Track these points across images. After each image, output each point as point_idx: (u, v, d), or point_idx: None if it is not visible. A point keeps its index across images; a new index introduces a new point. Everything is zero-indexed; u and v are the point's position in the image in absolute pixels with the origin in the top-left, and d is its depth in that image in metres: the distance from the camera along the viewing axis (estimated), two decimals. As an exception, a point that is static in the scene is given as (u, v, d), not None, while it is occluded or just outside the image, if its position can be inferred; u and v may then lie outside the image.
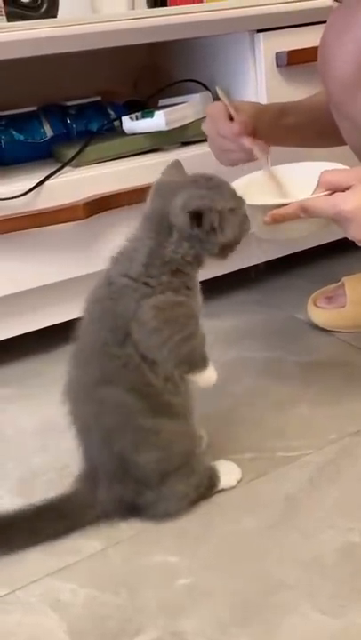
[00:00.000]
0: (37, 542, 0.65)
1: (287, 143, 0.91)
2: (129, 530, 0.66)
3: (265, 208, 0.70)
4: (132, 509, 0.67)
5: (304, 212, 0.67)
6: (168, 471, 0.65)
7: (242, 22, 1.01)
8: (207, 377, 0.66)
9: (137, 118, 1.04)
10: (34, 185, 0.91)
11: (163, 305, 0.61)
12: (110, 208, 0.96)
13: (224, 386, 0.90)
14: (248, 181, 0.81)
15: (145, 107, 1.14)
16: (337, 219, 0.66)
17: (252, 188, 0.79)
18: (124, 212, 0.97)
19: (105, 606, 0.58)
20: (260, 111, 0.87)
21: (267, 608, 0.56)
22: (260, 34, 1.04)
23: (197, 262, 0.63)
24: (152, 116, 1.02)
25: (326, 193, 0.67)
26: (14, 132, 1.07)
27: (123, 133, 1.06)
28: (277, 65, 1.06)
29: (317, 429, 0.79)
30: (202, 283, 1.14)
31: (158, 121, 1.01)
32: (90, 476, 0.67)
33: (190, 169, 1.00)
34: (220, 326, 1.07)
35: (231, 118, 0.83)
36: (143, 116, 1.04)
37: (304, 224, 0.71)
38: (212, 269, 1.09)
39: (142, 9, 1.27)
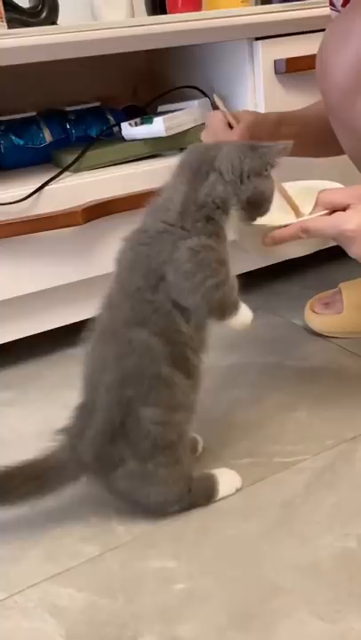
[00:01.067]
0: (6, 504, 0.65)
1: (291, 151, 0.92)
2: (126, 535, 0.67)
3: (264, 229, 0.69)
4: (107, 481, 0.66)
5: (305, 232, 0.67)
6: (159, 444, 0.64)
7: (240, 30, 1.02)
8: (242, 320, 0.67)
9: (136, 124, 1.05)
10: (33, 190, 0.92)
11: (197, 247, 0.62)
12: (109, 213, 0.96)
13: (221, 391, 0.90)
14: None
15: (144, 113, 1.15)
16: (339, 238, 0.66)
17: None
18: (123, 218, 0.98)
19: (102, 611, 0.58)
20: (258, 120, 0.87)
21: (264, 613, 0.56)
22: (259, 41, 1.05)
23: (225, 210, 0.64)
24: (151, 123, 1.02)
25: (325, 212, 0.67)
26: (14, 137, 1.07)
27: (122, 139, 1.06)
28: (276, 72, 1.06)
29: (315, 435, 0.79)
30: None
31: (157, 127, 1.01)
32: (77, 429, 0.66)
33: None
34: (217, 332, 1.07)
35: (230, 127, 0.84)
36: (142, 122, 1.04)
37: (304, 243, 0.71)
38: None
39: (142, 16, 1.28)
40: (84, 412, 0.67)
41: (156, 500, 0.67)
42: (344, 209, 0.66)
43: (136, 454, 0.64)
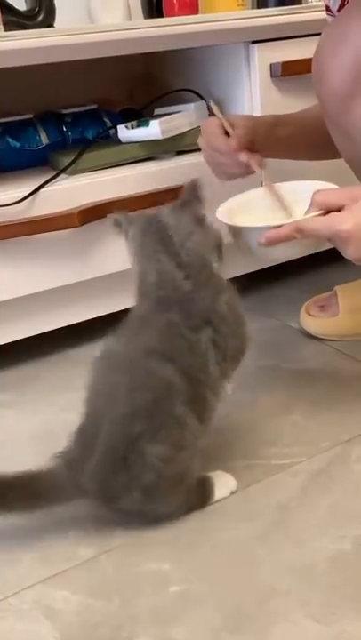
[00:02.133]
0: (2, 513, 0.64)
1: (281, 155, 0.92)
2: (122, 537, 0.67)
3: (259, 230, 0.70)
4: (110, 505, 0.66)
5: (299, 233, 0.67)
6: (164, 476, 0.63)
7: (237, 33, 1.02)
8: None
9: (132, 127, 1.05)
10: (29, 192, 0.92)
11: (230, 301, 0.68)
12: (105, 216, 0.96)
13: (217, 393, 0.90)
14: (247, 198, 0.82)
15: (140, 115, 1.15)
16: (334, 239, 0.66)
17: (252, 204, 0.80)
18: (119, 220, 0.98)
19: (97, 613, 0.58)
20: (254, 124, 0.87)
21: (259, 615, 0.57)
22: (255, 45, 1.05)
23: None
24: (147, 125, 1.02)
25: (320, 213, 0.67)
26: (10, 139, 1.07)
27: (118, 142, 1.06)
28: (272, 76, 1.07)
29: (310, 437, 0.79)
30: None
31: (153, 130, 1.02)
32: (77, 455, 0.65)
33: (185, 177, 1.01)
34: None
35: (227, 133, 0.84)
36: (138, 125, 1.04)
37: (299, 245, 0.71)
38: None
39: (139, 19, 1.28)
40: (85, 438, 0.65)
41: (158, 514, 0.67)
42: (339, 210, 0.66)
43: (140, 485, 0.63)
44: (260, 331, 1.03)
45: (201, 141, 0.88)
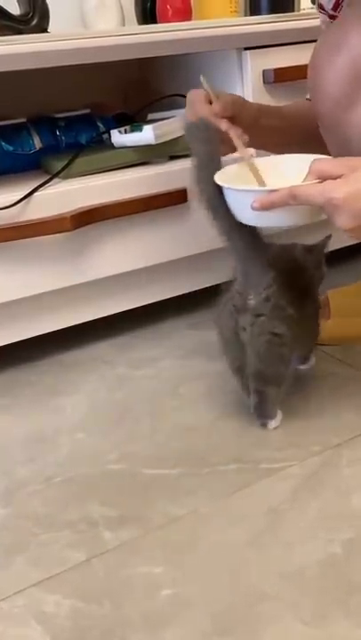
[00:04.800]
0: None
1: (263, 145, 0.91)
2: (113, 540, 0.67)
3: (253, 194, 0.69)
4: None
5: (293, 198, 0.66)
6: None
7: (230, 40, 1.03)
8: None
9: (126, 132, 1.05)
10: (22, 196, 0.92)
11: None
12: (98, 220, 0.97)
13: (208, 398, 0.91)
14: (228, 171, 0.79)
15: (134, 120, 1.15)
16: (326, 207, 0.66)
17: (232, 177, 0.77)
18: (112, 225, 0.99)
19: (88, 617, 0.59)
20: (239, 103, 0.86)
21: (250, 619, 0.57)
22: (248, 51, 1.06)
23: None
24: (141, 130, 1.03)
25: (317, 181, 0.67)
26: (3, 143, 1.07)
27: (111, 146, 1.07)
28: (264, 82, 1.08)
29: (301, 441, 0.79)
30: (189, 294, 1.15)
31: (147, 135, 1.02)
32: None
33: (178, 182, 1.02)
34: (204, 337, 1.08)
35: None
36: (132, 130, 1.05)
37: (291, 213, 0.70)
38: (196, 281, 1.11)
39: (133, 25, 1.29)
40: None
41: None
42: (335, 179, 0.66)
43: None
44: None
45: (186, 111, 0.86)
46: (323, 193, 0.65)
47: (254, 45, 1.05)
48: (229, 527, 0.67)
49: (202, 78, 0.84)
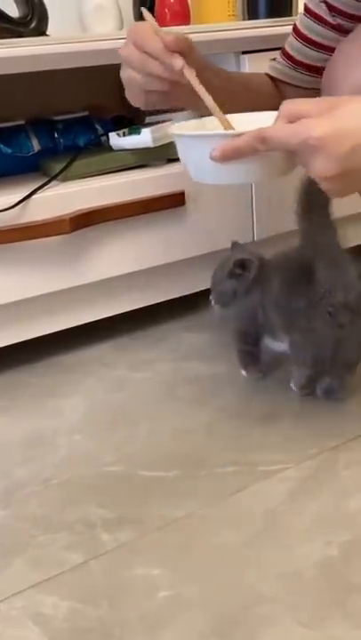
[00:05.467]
0: None
1: (191, 104, 0.76)
2: (111, 542, 0.67)
3: (211, 140, 0.57)
4: None
5: (262, 142, 0.56)
6: None
7: (227, 44, 1.04)
8: None
9: (124, 135, 1.06)
10: (20, 198, 0.92)
11: None
12: (96, 223, 0.97)
13: (206, 400, 0.91)
14: (194, 124, 0.70)
15: (132, 123, 1.16)
16: (302, 149, 0.55)
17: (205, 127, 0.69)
18: (110, 227, 0.99)
19: (86, 619, 0.59)
20: (190, 44, 0.72)
21: (247, 621, 0.57)
22: (246, 55, 1.06)
23: None
24: (139, 133, 1.03)
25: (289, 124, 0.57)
26: (2, 146, 1.07)
27: (109, 149, 1.07)
28: (262, 86, 1.08)
29: (298, 444, 0.80)
30: (185, 297, 1.15)
31: (145, 138, 1.02)
32: None
33: (176, 185, 1.02)
34: (201, 340, 1.08)
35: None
36: (130, 133, 1.05)
37: (258, 164, 0.59)
38: (194, 284, 1.11)
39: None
40: None
41: None
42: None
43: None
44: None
45: (125, 48, 0.71)
46: (298, 133, 0.54)
47: (252, 49, 1.06)
48: (227, 529, 0.68)
49: (143, 11, 0.74)
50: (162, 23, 1.22)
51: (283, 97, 0.92)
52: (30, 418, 0.91)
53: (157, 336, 1.11)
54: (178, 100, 0.75)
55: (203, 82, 0.71)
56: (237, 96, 0.83)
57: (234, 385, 0.94)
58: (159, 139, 1.03)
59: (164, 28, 0.77)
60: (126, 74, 0.75)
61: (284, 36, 1.06)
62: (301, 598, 0.59)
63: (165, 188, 1.01)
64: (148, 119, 1.15)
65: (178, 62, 0.68)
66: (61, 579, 0.63)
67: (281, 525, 0.67)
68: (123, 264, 1.03)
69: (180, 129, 0.68)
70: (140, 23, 0.73)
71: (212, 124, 0.69)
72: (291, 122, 0.56)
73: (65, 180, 1.00)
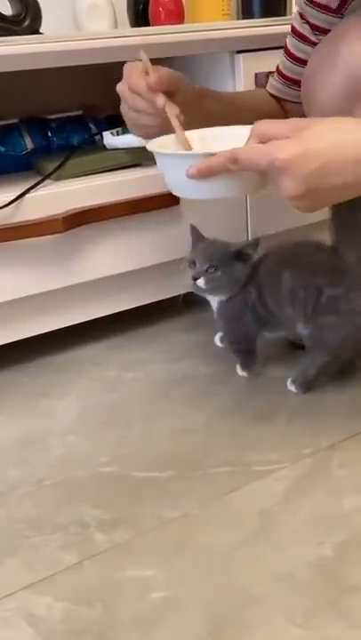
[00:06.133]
0: None
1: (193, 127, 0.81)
2: (105, 543, 0.67)
3: (188, 159, 0.62)
4: None
5: (234, 162, 0.60)
6: None
7: (222, 43, 1.03)
8: None
9: (118, 134, 1.06)
10: (14, 197, 0.92)
11: None
12: (90, 222, 0.97)
13: (201, 400, 0.91)
14: (161, 140, 0.74)
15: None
16: (270, 169, 0.59)
17: (165, 146, 0.72)
18: (104, 227, 0.98)
19: (80, 620, 0.58)
20: (179, 80, 0.77)
21: (241, 621, 0.57)
22: (240, 55, 1.06)
23: None
24: (132, 133, 1.03)
25: (260, 144, 0.61)
26: (-5, 144, 1.07)
27: (103, 148, 1.07)
28: (256, 85, 1.08)
29: (293, 443, 0.80)
30: (178, 298, 1.15)
31: (139, 137, 1.02)
32: None
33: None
34: (195, 340, 1.08)
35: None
36: (124, 132, 1.05)
37: (232, 181, 0.63)
38: (187, 285, 1.11)
39: (125, 27, 1.29)
40: None
41: None
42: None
43: None
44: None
45: (120, 85, 0.78)
46: (266, 154, 0.58)
47: (247, 49, 1.06)
48: (221, 529, 0.68)
49: (141, 52, 0.77)
50: (156, 22, 1.22)
51: (286, 114, 0.94)
52: (23, 418, 0.90)
53: (151, 336, 1.11)
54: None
55: (205, 110, 0.80)
56: (241, 118, 0.86)
57: (228, 385, 0.94)
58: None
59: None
60: (123, 109, 0.81)
61: (278, 36, 1.06)
62: (295, 598, 0.59)
63: (159, 188, 1.01)
64: (142, 118, 1.15)
65: (159, 101, 0.73)
66: (55, 579, 0.63)
67: (275, 525, 0.67)
68: (116, 264, 1.02)
69: (160, 145, 0.72)
70: (133, 63, 0.78)
71: (193, 140, 0.73)
72: (262, 142, 0.60)
73: (58, 179, 1.00)
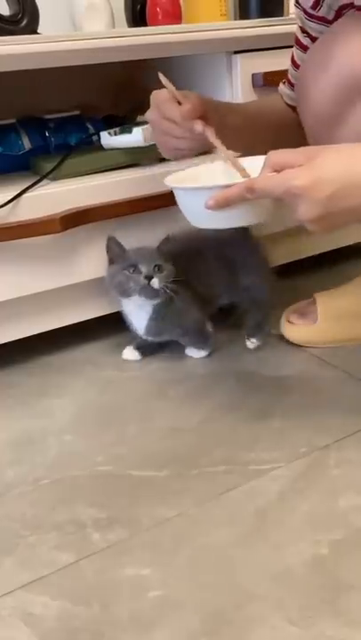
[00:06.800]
0: None
1: (231, 145, 0.85)
2: (101, 542, 0.67)
3: (207, 191, 0.65)
4: None
5: (251, 192, 0.63)
6: None
7: (219, 44, 1.04)
8: None
9: (115, 134, 1.06)
10: (11, 197, 0.92)
11: None
12: (87, 222, 0.97)
13: (198, 399, 0.91)
14: (198, 171, 0.78)
15: (123, 122, 1.15)
16: (286, 197, 0.62)
17: (202, 176, 0.76)
18: (101, 226, 0.98)
19: (77, 619, 0.58)
20: (208, 103, 0.82)
21: (237, 619, 0.57)
22: (238, 55, 1.06)
23: None
24: (130, 132, 1.03)
25: (274, 173, 0.63)
26: (-8, 144, 1.07)
27: (101, 148, 1.07)
28: (254, 85, 1.08)
29: (288, 443, 0.80)
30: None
31: (136, 137, 1.02)
32: None
33: (166, 185, 1.02)
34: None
35: (180, 104, 0.79)
36: (121, 132, 1.05)
37: (249, 210, 0.66)
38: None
39: (122, 27, 1.29)
40: None
41: None
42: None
43: None
44: (241, 337, 1.04)
45: (150, 113, 0.82)
46: (282, 182, 0.61)
47: (244, 49, 1.06)
48: (217, 528, 0.68)
49: (161, 76, 0.79)
50: (153, 22, 1.22)
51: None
52: (20, 418, 0.90)
53: (148, 335, 1.10)
54: (209, 147, 0.82)
55: (228, 127, 0.82)
56: (265, 131, 0.91)
57: (224, 384, 0.95)
58: (151, 138, 1.03)
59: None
60: (157, 136, 0.86)
61: (275, 36, 1.07)
62: (292, 597, 0.59)
63: (157, 188, 1.01)
64: (139, 118, 1.15)
65: (198, 128, 0.77)
66: (52, 579, 0.63)
67: (271, 524, 0.68)
68: (114, 263, 1.02)
69: (177, 180, 0.75)
70: (160, 91, 0.81)
71: (206, 173, 0.78)
72: (276, 171, 0.63)
73: (56, 179, 1.00)
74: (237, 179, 0.72)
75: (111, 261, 0.96)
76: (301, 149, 0.64)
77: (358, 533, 0.65)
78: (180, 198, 0.72)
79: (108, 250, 0.95)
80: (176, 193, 0.72)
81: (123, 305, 0.98)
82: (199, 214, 0.68)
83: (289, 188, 0.61)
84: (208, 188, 0.66)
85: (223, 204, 0.65)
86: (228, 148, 0.80)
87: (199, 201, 0.66)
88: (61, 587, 0.62)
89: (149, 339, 1.00)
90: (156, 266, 0.91)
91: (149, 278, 0.90)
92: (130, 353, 1.03)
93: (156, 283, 0.90)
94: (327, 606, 0.58)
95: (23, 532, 0.69)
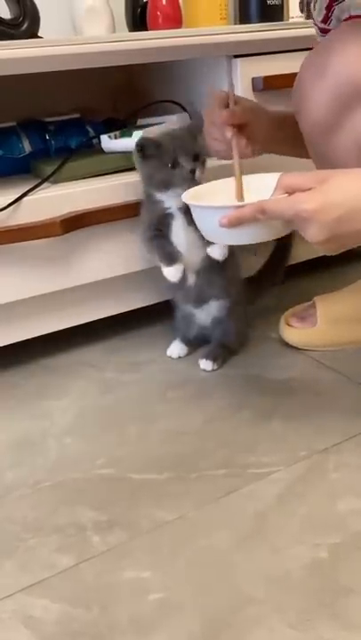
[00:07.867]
0: None
1: (286, 153, 0.94)
2: (101, 545, 0.67)
3: (220, 211, 0.69)
4: None
5: (262, 213, 0.66)
6: None
7: (219, 48, 1.04)
8: None
9: (115, 137, 1.06)
10: (12, 200, 0.92)
11: None
12: (88, 225, 0.97)
13: (196, 402, 0.91)
14: (215, 187, 0.82)
15: (123, 126, 1.16)
16: (296, 219, 0.65)
17: (218, 192, 0.80)
18: (101, 229, 0.99)
19: (77, 622, 0.59)
20: (258, 113, 0.88)
21: (236, 622, 0.57)
22: (238, 59, 1.07)
23: None
24: (130, 136, 1.03)
25: (285, 196, 0.66)
26: (-7, 147, 1.07)
27: (101, 151, 1.07)
28: (254, 89, 1.08)
29: (288, 446, 0.80)
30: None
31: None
32: None
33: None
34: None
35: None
36: (122, 136, 1.05)
37: (260, 229, 0.70)
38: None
39: (123, 32, 1.29)
40: None
41: None
42: (304, 192, 0.65)
43: None
44: (240, 340, 1.04)
45: (205, 111, 0.89)
46: (292, 206, 0.64)
47: (244, 53, 1.06)
48: (217, 531, 0.68)
49: (227, 74, 0.89)
50: (154, 26, 1.23)
51: None
52: (20, 420, 0.91)
53: (147, 338, 1.11)
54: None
55: (278, 140, 0.91)
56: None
57: (224, 387, 0.95)
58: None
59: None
60: (205, 132, 0.91)
61: (276, 41, 1.07)
62: (290, 600, 0.59)
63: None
64: (139, 122, 1.16)
65: (228, 134, 0.84)
66: (52, 582, 0.63)
67: (271, 528, 0.68)
68: (114, 266, 1.03)
69: (197, 194, 0.79)
70: (219, 93, 0.88)
71: (224, 188, 0.81)
72: (287, 192, 0.66)
73: (56, 182, 1.00)
74: (252, 197, 0.75)
75: (145, 157, 0.92)
76: (312, 173, 0.67)
77: (357, 537, 0.65)
78: (195, 214, 0.75)
79: (141, 148, 0.91)
80: (192, 209, 0.75)
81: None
82: (213, 230, 0.72)
83: (298, 212, 0.64)
84: (222, 207, 0.70)
85: (235, 223, 0.68)
86: (280, 154, 0.91)
87: (213, 218, 0.69)
88: (61, 589, 0.62)
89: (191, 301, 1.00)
90: (195, 155, 0.90)
91: (193, 172, 0.89)
92: (176, 348, 1.04)
93: (198, 175, 0.89)
94: (326, 610, 0.58)
95: (23, 534, 0.69)
